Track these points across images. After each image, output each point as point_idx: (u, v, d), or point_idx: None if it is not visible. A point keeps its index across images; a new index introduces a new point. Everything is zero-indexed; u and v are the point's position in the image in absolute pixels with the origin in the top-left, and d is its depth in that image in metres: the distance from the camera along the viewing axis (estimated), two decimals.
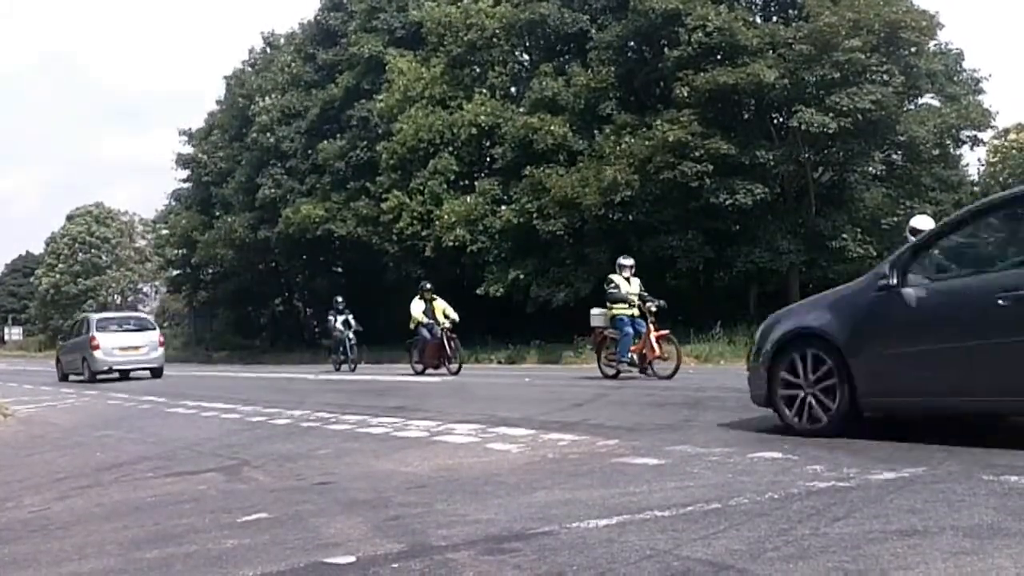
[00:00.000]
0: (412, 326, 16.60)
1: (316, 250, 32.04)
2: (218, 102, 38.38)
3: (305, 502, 4.68)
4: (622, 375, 12.51)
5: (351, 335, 20.13)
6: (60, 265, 61.70)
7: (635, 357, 12.39)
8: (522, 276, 21.65)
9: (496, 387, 12.71)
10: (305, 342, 35.85)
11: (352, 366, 19.76)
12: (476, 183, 24.57)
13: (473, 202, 23.18)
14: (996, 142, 29.45)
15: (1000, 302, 4.77)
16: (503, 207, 22.78)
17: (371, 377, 17.28)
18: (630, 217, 20.46)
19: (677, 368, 12.13)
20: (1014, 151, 29.83)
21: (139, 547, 3.91)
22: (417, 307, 16.59)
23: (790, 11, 21.67)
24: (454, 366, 16.05)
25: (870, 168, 19.79)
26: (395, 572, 3.21)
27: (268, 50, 36.32)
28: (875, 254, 19.51)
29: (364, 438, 7.28)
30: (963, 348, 4.96)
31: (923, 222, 10.06)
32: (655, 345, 12.29)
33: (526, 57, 26.50)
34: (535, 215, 21.46)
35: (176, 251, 39.54)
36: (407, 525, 3.92)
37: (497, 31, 24.33)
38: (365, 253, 27.77)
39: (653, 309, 12.48)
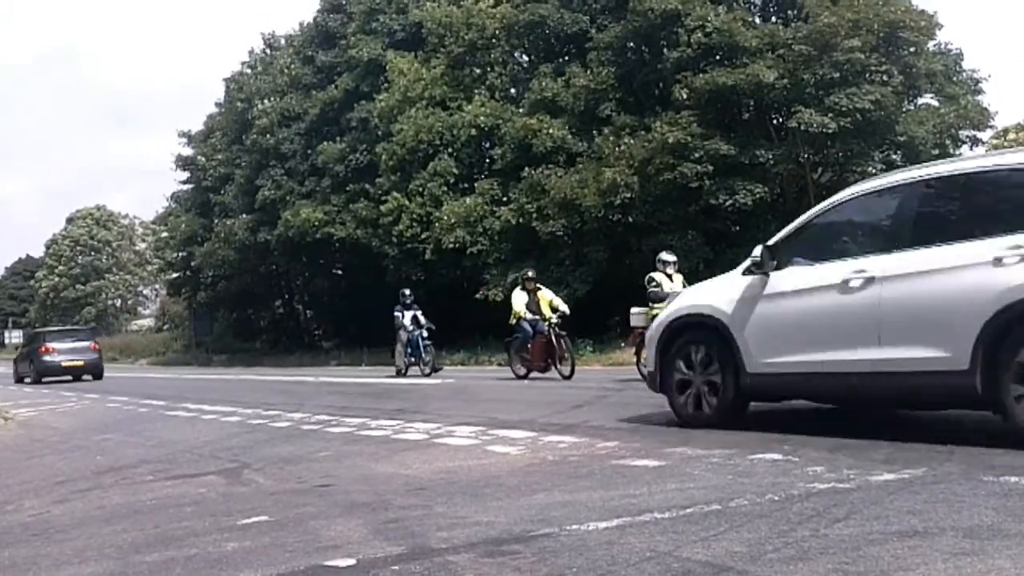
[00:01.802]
0: (513, 321, 14.41)
1: (316, 252, 32.04)
2: (217, 104, 38.45)
3: (305, 505, 4.68)
4: None
5: (424, 333, 17.50)
6: (60, 267, 61.70)
7: None
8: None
9: (496, 389, 12.70)
10: (305, 344, 35.86)
11: (426, 368, 17.16)
12: (475, 184, 24.56)
13: (472, 203, 23.18)
14: (995, 142, 29.43)
15: None
16: (502, 208, 22.77)
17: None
18: (630, 219, 20.45)
19: None
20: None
21: (139, 550, 3.91)
22: (519, 299, 14.39)
23: (789, 11, 21.67)
24: (566, 368, 13.55)
25: (870, 168, 19.75)
26: (395, 574, 3.21)
27: (268, 51, 36.33)
28: None
29: (364, 441, 7.28)
30: None
31: None
32: None
33: (525, 58, 26.52)
34: (534, 216, 21.46)
35: (176, 254, 39.56)
36: (407, 527, 3.92)
37: (497, 31, 24.34)
38: (365, 255, 27.77)
39: None
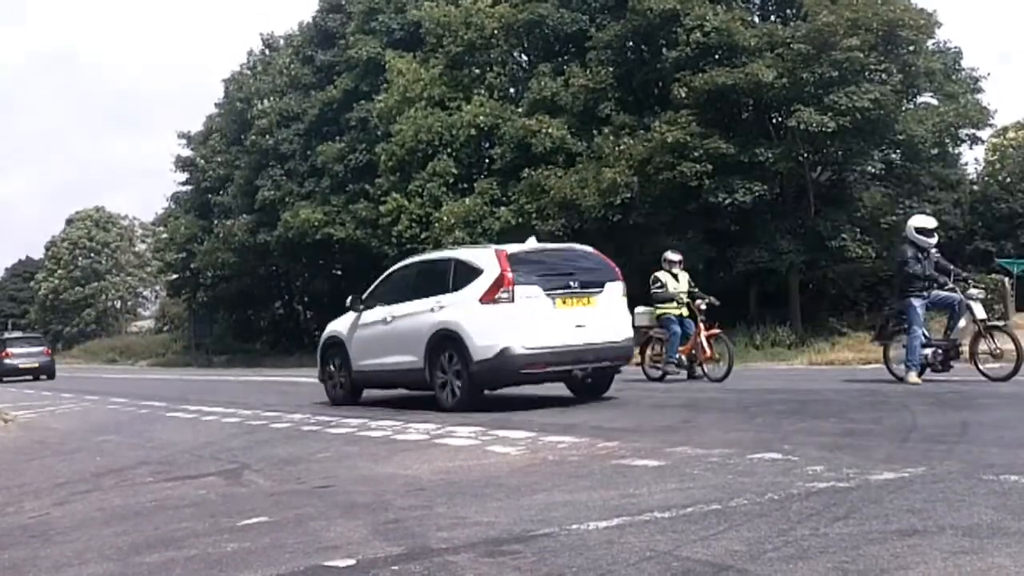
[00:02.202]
0: None
1: (315, 253, 31.99)
2: (217, 105, 38.39)
3: (305, 506, 4.68)
4: (668, 377, 11.73)
5: None
6: (60, 270, 61.66)
7: (683, 358, 11.56)
8: None
9: None
10: (305, 345, 35.82)
11: None
12: (475, 184, 24.53)
13: (472, 203, 23.15)
14: (995, 140, 29.44)
15: None
16: (502, 208, 22.75)
17: None
18: (630, 220, 20.44)
19: (730, 370, 11.22)
20: (1012, 149, 29.84)
21: (139, 552, 3.91)
22: None
23: (788, 10, 21.62)
24: None
25: (869, 167, 19.73)
26: (395, 575, 3.22)
27: (267, 52, 36.30)
28: (874, 254, 19.44)
29: (364, 441, 7.29)
30: None
31: (923, 221, 10.08)
32: (706, 346, 11.45)
33: (524, 58, 26.50)
34: (534, 216, 21.44)
35: (176, 255, 39.56)
36: (407, 528, 3.92)
37: (496, 31, 24.31)
38: (365, 256, 27.74)
39: (703, 307, 11.56)
